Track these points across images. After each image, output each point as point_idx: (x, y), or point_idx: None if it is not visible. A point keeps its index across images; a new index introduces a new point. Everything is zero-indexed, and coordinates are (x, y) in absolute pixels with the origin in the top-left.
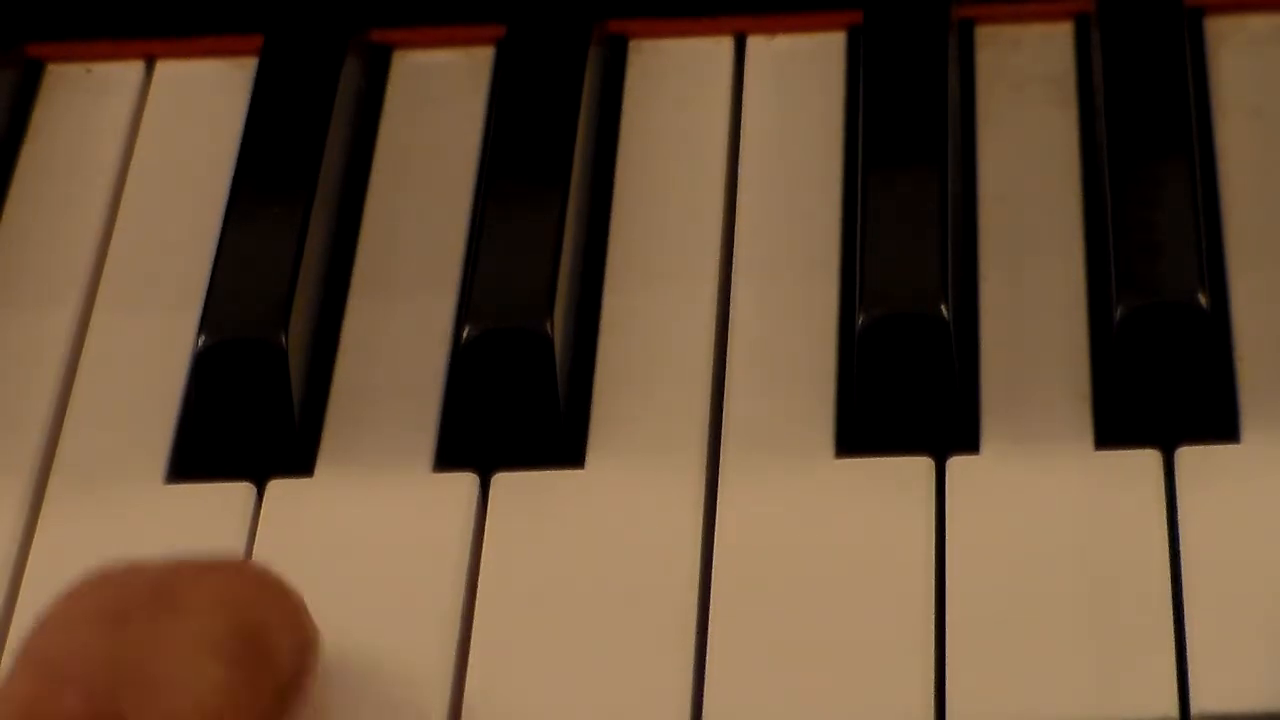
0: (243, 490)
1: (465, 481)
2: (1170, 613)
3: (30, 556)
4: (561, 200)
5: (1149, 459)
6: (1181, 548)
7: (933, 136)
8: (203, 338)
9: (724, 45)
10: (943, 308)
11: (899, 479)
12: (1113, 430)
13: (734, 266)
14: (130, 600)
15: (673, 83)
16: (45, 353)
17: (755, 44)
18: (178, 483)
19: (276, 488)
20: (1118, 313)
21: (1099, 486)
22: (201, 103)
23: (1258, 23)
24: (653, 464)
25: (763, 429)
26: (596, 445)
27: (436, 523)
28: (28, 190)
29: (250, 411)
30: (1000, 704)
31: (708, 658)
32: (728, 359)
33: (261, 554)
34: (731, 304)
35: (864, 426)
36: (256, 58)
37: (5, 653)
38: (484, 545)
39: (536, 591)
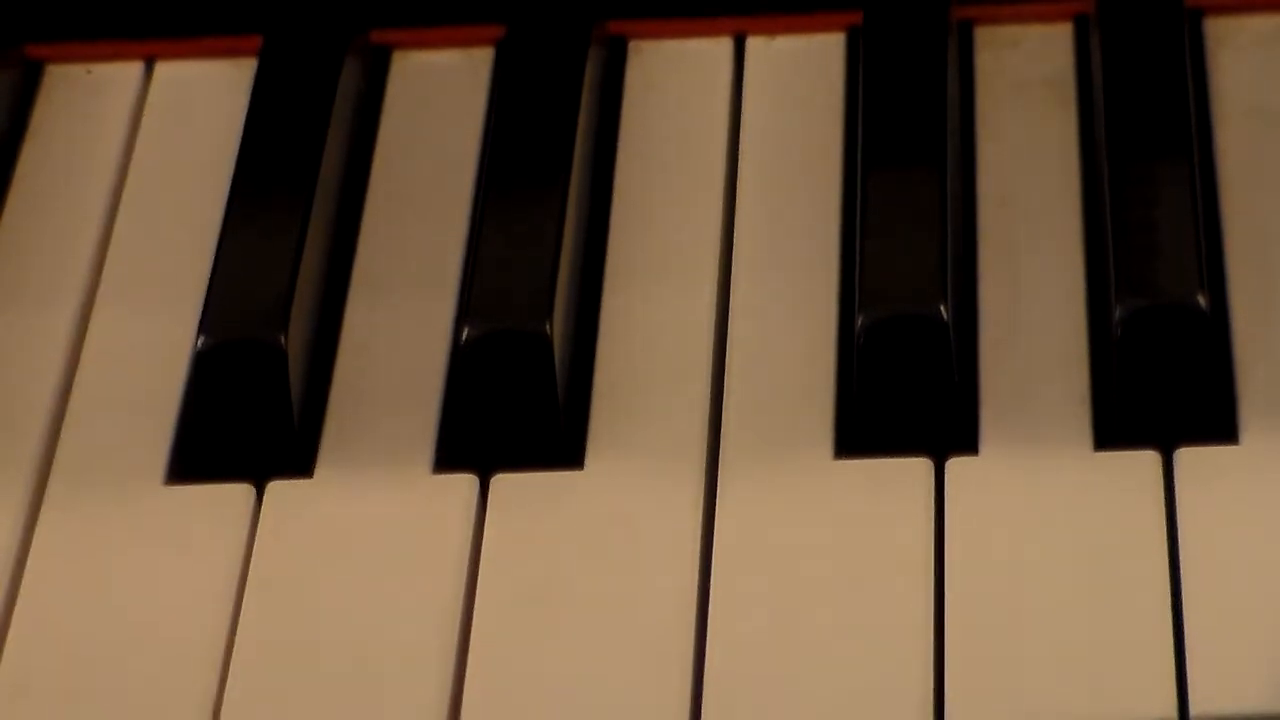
0: (242, 491)
1: (465, 482)
2: (1169, 614)
3: (30, 556)
4: (561, 200)
5: (1148, 460)
6: (1181, 549)
7: (933, 137)
8: (203, 338)
9: (724, 45)
10: (942, 308)
11: (898, 480)
12: (1112, 431)
13: (733, 266)
14: None
15: (673, 83)
16: (45, 353)
17: (755, 44)
18: (177, 484)
19: (276, 489)
20: (1117, 313)
21: (1098, 487)
22: (201, 103)
23: (1258, 23)
24: (652, 465)
25: (762, 430)
26: (596, 446)
27: (436, 524)
28: (28, 190)
29: (250, 412)
30: (999, 704)
31: (707, 658)
32: (727, 359)
33: (261, 555)
34: (731, 304)
35: (863, 427)
36: (256, 58)
37: (4, 654)
38: (483, 546)
39: (536, 592)
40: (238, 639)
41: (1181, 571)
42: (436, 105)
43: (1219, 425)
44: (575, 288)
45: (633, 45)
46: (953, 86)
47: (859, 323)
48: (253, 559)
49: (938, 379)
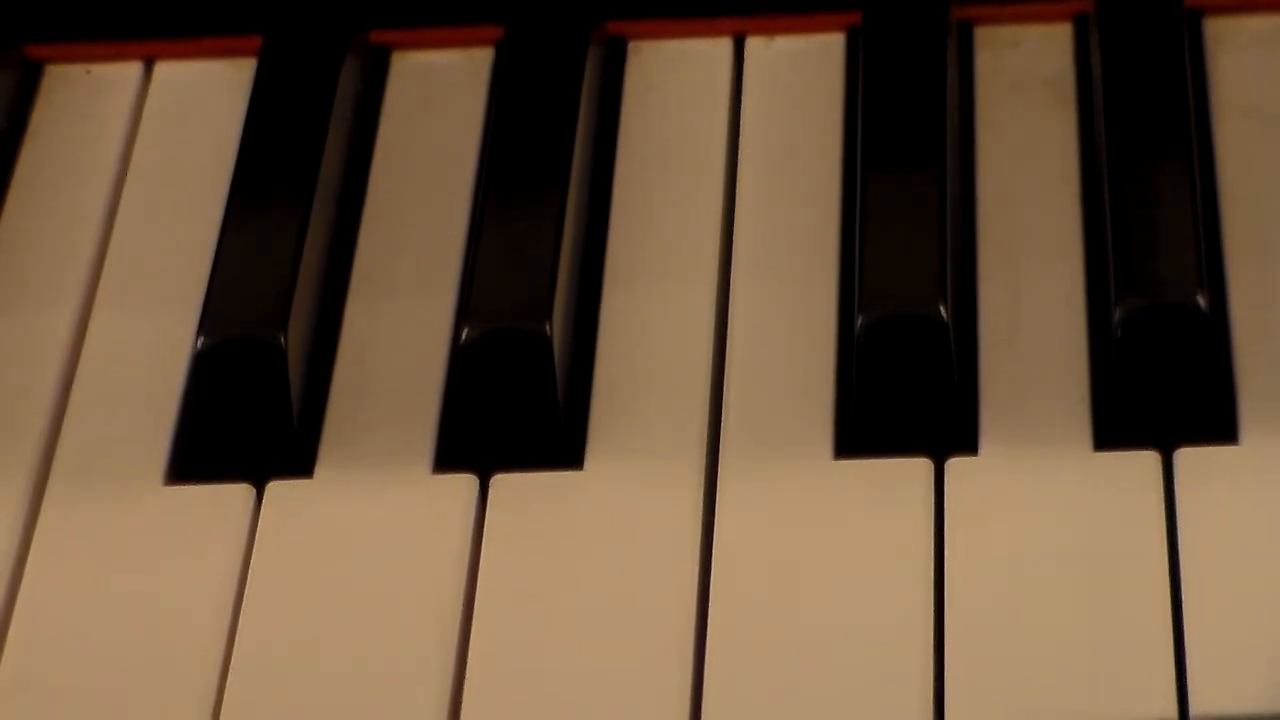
0: (242, 491)
1: (464, 483)
2: (1169, 614)
3: (30, 556)
4: (561, 201)
5: (1148, 460)
6: (1180, 549)
7: (932, 137)
8: (202, 338)
9: (723, 46)
10: (941, 309)
11: (898, 480)
12: (1112, 431)
13: (733, 267)
14: None
15: (673, 83)
16: (45, 353)
17: (755, 44)
18: (177, 484)
19: (276, 489)
20: (1117, 314)
21: (1098, 488)
22: (201, 103)
23: (1257, 23)
24: (652, 465)
25: (762, 430)
26: (595, 446)
27: (436, 524)
28: (28, 190)
29: (249, 412)
30: (999, 705)
31: (706, 658)
32: (727, 360)
33: (261, 556)
34: (730, 305)
35: (863, 428)
36: (256, 58)
37: (4, 653)
38: (483, 546)
39: (536, 592)
40: (238, 639)
41: (1181, 571)
42: (436, 105)
43: (1219, 425)
44: (575, 288)
45: (633, 45)
46: (953, 86)
47: (859, 323)
48: (253, 559)
49: (937, 379)
